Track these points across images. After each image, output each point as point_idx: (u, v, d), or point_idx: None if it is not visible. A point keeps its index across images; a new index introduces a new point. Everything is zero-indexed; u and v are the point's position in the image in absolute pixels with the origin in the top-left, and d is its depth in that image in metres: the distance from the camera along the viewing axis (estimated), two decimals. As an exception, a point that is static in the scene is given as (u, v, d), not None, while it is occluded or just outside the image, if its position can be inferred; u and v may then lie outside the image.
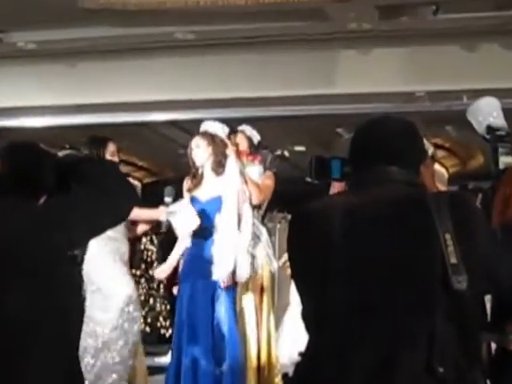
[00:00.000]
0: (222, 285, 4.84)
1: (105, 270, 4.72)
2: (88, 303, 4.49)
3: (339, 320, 1.90)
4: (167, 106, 7.13)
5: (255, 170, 5.47)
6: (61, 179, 2.28)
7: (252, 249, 5.15)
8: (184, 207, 5.01)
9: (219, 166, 5.07)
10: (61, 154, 2.38)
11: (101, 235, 4.25)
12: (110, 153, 4.81)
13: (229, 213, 4.97)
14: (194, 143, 5.15)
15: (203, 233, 4.96)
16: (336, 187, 2.78)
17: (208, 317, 4.86)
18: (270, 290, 5.47)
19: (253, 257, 5.16)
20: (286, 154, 9.80)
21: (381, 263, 1.87)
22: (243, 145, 5.52)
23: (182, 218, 4.97)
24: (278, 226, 9.72)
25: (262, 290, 5.37)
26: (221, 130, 5.18)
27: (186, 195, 5.20)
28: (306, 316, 2.02)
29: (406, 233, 1.88)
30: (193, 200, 5.12)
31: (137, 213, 4.76)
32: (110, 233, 4.37)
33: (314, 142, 8.50)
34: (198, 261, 4.96)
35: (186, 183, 5.23)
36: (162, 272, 5.24)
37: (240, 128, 5.65)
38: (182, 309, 4.95)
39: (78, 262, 2.27)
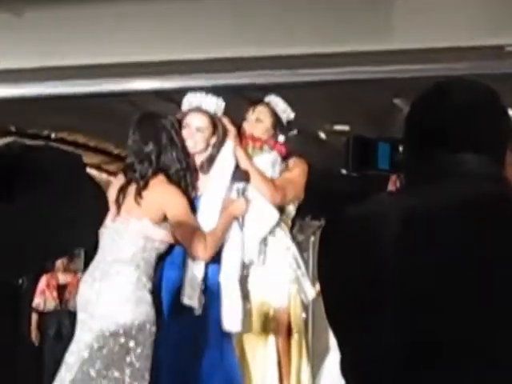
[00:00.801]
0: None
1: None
2: None
3: (395, 372, 1.90)
4: (152, 69, 7.14)
5: (264, 160, 5.43)
6: (0, 180, 2.29)
7: (247, 270, 5.19)
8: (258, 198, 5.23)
9: (210, 163, 5.11)
10: (0, 142, 2.39)
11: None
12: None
13: (208, 219, 5.03)
14: (195, 121, 5.14)
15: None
16: (394, 182, 2.76)
17: (200, 370, 4.88)
18: (301, 330, 5.48)
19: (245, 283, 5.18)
20: (323, 135, 9.84)
21: (454, 293, 1.88)
22: (266, 123, 5.51)
23: (259, 211, 5.20)
24: (312, 238, 9.69)
25: (289, 329, 5.38)
26: (218, 107, 5.21)
27: None
28: (347, 368, 2.03)
29: (488, 250, 1.88)
30: None
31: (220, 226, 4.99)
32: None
33: (362, 119, 8.50)
34: (174, 285, 4.99)
35: None
36: None
37: (266, 99, 5.64)
38: (164, 354, 4.95)
39: (22, 292, 2.28)
